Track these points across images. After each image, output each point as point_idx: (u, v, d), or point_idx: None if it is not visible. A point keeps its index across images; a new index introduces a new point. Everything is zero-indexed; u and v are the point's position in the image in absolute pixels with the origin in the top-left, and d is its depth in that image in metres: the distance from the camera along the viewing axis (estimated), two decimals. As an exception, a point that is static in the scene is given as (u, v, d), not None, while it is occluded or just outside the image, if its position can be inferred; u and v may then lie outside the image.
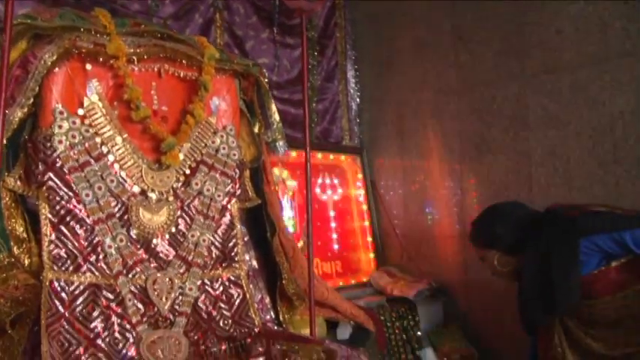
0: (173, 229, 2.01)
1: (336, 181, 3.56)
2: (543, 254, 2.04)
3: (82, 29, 1.87)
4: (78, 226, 1.82)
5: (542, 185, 2.94)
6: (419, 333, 2.99)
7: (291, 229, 3.10)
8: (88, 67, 1.90)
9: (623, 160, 2.67)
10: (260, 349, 1.91)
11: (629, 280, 1.98)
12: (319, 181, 3.48)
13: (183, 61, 2.08)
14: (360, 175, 3.69)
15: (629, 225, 1.91)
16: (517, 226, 2.17)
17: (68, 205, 1.82)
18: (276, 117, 2.31)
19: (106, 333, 1.78)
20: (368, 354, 2.18)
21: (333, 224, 3.47)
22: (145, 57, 2.00)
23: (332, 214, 3.49)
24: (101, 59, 1.90)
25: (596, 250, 1.96)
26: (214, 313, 2.04)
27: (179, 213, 2.03)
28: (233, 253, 2.14)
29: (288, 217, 3.15)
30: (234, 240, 2.15)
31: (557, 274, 1.99)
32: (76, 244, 1.81)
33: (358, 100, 3.87)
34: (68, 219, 1.81)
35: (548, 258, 2.02)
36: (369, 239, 3.62)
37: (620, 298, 1.99)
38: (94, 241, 1.84)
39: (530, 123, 3.00)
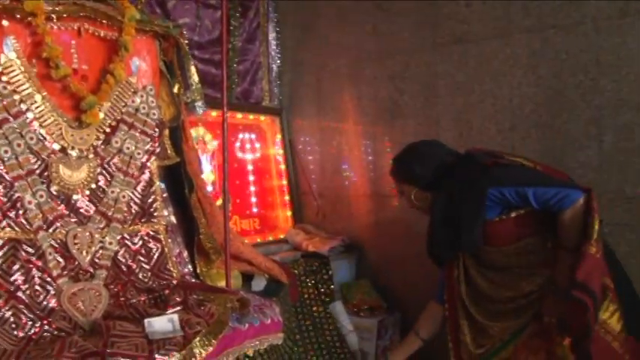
0: (93, 186, 2.07)
1: (255, 141, 3.65)
2: (453, 196, 2.19)
3: (-2, -15, 1.87)
4: (-4, 182, 1.85)
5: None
6: (332, 287, 3.14)
7: (210, 188, 3.19)
8: (5, 23, 1.91)
9: (518, 127, 2.90)
10: (178, 299, 2.00)
11: (523, 232, 2.15)
12: (239, 140, 3.56)
13: (104, 21, 2.11)
14: (279, 136, 3.79)
15: (534, 182, 2.05)
16: (434, 166, 2.28)
17: (-14, 161, 1.85)
18: (195, 78, 2.37)
19: (26, 286, 1.83)
20: (280, 304, 2.34)
21: (251, 183, 3.57)
22: (65, 15, 2.01)
23: (251, 173, 3.58)
24: (18, 16, 1.91)
25: (500, 200, 2.10)
26: (134, 266, 2.13)
27: (99, 170, 2.09)
28: (152, 209, 2.22)
29: (208, 175, 3.23)
30: (153, 196, 2.23)
31: (463, 216, 2.14)
32: (-5, 199, 1.84)
33: (279, 62, 3.93)
34: (-14, 175, 1.84)
35: (457, 200, 2.17)
36: (287, 198, 3.74)
37: (512, 248, 2.17)
38: (14, 197, 1.88)
39: (439, 90, 3.19)
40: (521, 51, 2.89)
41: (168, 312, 1.92)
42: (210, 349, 1.78)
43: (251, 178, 3.58)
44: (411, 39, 3.31)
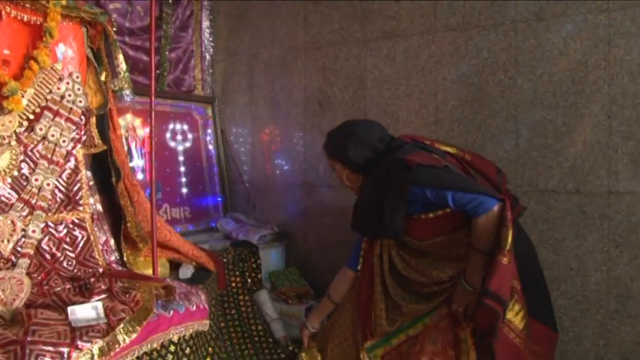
0: (16, 173, 2.04)
1: (186, 130, 3.64)
2: (379, 186, 2.23)
3: None
4: None
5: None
6: (260, 275, 3.18)
7: (140, 176, 3.17)
8: None
9: (443, 121, 3.02)
10: (103, 287, 2.00)
11: (440, 230, 2.24)
12: (170, 128, 3.54)
13: (27, 5, 2.07)
14: (210, 124, 3.80)
15: (454, 186, 2.11)
16: (365, 154, 2.30)
17: None
18: (123, 66, 2.36)
19: (-56, 273, 1.81)
20: (207, 292, 2.36)
21: (182, 171, 3.56)
22: (-15, -2, 1.98)
23: (182, 161, 3.57)
24: None
25: (422, 197, 2.17)
26: (58, 254, 2.12)
27: (22, 157, 2.07)
28: (78, 197, 2.21)
29: (138, 163, 3.21)
30: (78, 184, 2.22)
31: (386, 208, 2.20)
32: None
33: (212, 51, 3.92)
34: None
35: (381, 192, 2.22)
36: (218, 186, 3.76)
37: (429, 243, 2.26)
38: None
39: (367, 83, 3.28)
40: (446, 48, 3.01)
41: (92, 300, 1.92)
42: (134, 335, 1.80)
43: (182, 166, 3.57)
44: (341, 32, 3.38)
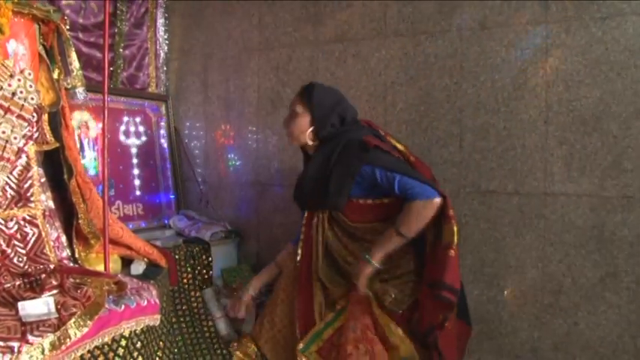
0: (-34, 169, 2.05)
1: (140, 127, 3.65)
2: (330, 159, 2.34)
3: None
4: None
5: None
6: (211, 272, 3.21)
7: (92, 172, 3.17)
8: None
9: (391, 123, 3.12)
10: (54, 282, 2.01)
11: (376, 217, 2.39)
12: (123, 125, 3.55)
13: (-22, 2, 2.08)
14: (164, 122, 3.81)
15: (403, 172, 2.25)
16: (337, 121, 2.43)
17: None
18: (76, 64, 2.37)
19: None
20: (158, 287, 2.40)
21: (135, 168, 3.57)
22: None
23: (135, 158, 3.58)
24: None
25: (370, 178, 2.29)
26: (9, 250, 2.12)
27: (-28, 154, 2.07)
28: (29, 194, 2.22)
29: (91, 159, 3.21)
30: (30, 181, 2.22)
31: (333, 181, 2.32)
32: None
33: (167, 49, 3.94)
34: None
35: (332, 164, 2.33)
36: (171, 183, 3.78)
37: (364, 226, 2.40)
38: None
39: (319, 85, 3.36)
40: (394, 52, 3.12)
41: (44, 295, 1.94)
42: (86, 329, 1.83)
43: (135, 163, 3.58)
44: (294, 33, 3.45)
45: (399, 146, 2.52)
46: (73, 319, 1.82)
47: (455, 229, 2.21)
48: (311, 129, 2.46)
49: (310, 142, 2.49)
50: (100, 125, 3.23)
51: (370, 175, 2.29)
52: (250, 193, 3.65)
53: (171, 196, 3.77)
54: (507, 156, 2.83)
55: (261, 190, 3.61)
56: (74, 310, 1.85)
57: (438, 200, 2.22)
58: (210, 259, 3.22)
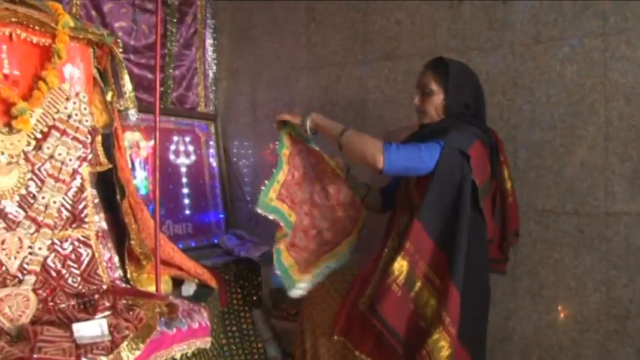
0: (23, 191, 2.08)
1: (190, 146, 3.69)
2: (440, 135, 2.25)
3: None
4: None
5: (377, 160, 3.28)
6: (260, 292, 3.20)
7: (143, 192, 3.21)
8: None
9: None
10: (107, 304, 2.02)
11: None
12: (173, 145, 3.59)
13: (36, 27, 2.11)
14: (213, 142, 3.84)
15: (423, 154, 2.22)
16: (462, 106, 2.35)
17: None
18: (129, 86, 2.40)
19: (-48, 290, 1.84)
20: (209, 309, 2.39)
21: (185, 188, 3.60)
22: (-4, 20, 2.02)
23: (185, 177, 3.61)
24: (-53, 20, 1.91)
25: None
26: (63, 271, 2.14)
27: (30, 176, 2.10)
28: (83, 215, 2.24)
29: (142, 179, 3.25)
30: (84, 202, 2.25)
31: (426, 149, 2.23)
32: None
33: (215, 68, 3.98)
34: None
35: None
36: (220, 203, 3.79)
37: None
38: (-60, 202, 1.88)
39: (368, 104, 3.33)
40: (445, 69, 3.06)
41: (97, 317, 1.95)
42: (138, 353, 1.82)
43: (185, 182, 3.61)
44: (342, 52, 3.43)
45: (508, 184, 2.47)
46: (125, 342, 1.82)
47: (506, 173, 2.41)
48: (443, 104, 2.38)
49: (437, 118, 2.40)
50: (151, 144, 3.27)
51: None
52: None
53: (221, 216, 3.78)
54: (565, 174, 2.73)
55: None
56: (127, 332, 1.85)
57: (379, 162, 2.18)
58: (259, 279, 3.20)
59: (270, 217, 2.42)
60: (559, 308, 2.75)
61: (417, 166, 2.21)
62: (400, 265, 2.15)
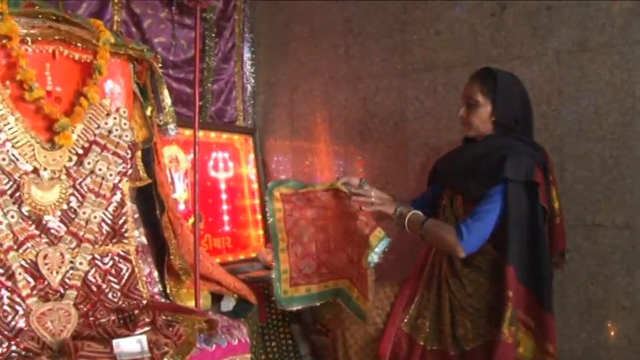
0: (65, 207, 2.10)
1: (228, 160, 3.69)
2: (492, 154, 2.22)
3: (-29, 7, 1.90)
4: (-32, 203, 1.87)
5: (417, 174, 3.23)
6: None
7: (182, 206, 3.22)
8: (-21, 46, 1.94)
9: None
10: (147, 319, 2.02)
11: None
12: (212, 159, 3.60)
13: (78, 44, 2.14)
14: (252, 155, 3.83)
15: (489, 219, 2.20)
16: (511, 119, 2.30)
17: (-43, 182, 1.87)
18: (168, 101, 2.41)
19: (-5, 306, 1.85)
20: (248, 324, 2.37)
21: (224, 201, 3.60)
22: (40, 38, 2.04)
23: (223, 191, 3.61)
24: (-7, 39, 1.94)
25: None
26: (104, 286, 2.15)
27: (71, 191, 2.12)
28: (123, 230, 2.25)
29: (181, 194, 3.26)
30: (124, 217, 2.26)
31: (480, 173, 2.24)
32: (-33, 220, 1.86)
33: (253, 82, 3.99)
34: (-42, 196, 1.86)
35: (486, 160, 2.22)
36: (259, 217, 3.77)
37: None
38: (-16, 218, 1.90)
39: (408, 115, 3.27)
40: (487, 79, 2.99)
41: (136, 332, 1.94)
42: (178, 370, 1.81)
43: (223, 196, 3.61)
44: (381, 63, 3.39)
45: (556, 204, 2.40)
46: (165, 359, 1.80)
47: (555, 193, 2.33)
48: (492, 119, 2.33)
49: (487, 133, 2.36)
50: (189, 158, 3.28)
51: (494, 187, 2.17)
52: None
53: (260, 229, 3.76)
54: (615, 187, 2.62)
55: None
56: (166, 349, 1.84)
57: (459, 252, 2.17)
58: (298, 294, 3.15)
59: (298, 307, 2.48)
60: (610, 327, 2.64)
61: (492, 228, 2.19)
62: (508, 315, 2.10)
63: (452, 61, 3.12)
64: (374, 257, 2.18)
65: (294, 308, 2.49)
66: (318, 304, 2.50)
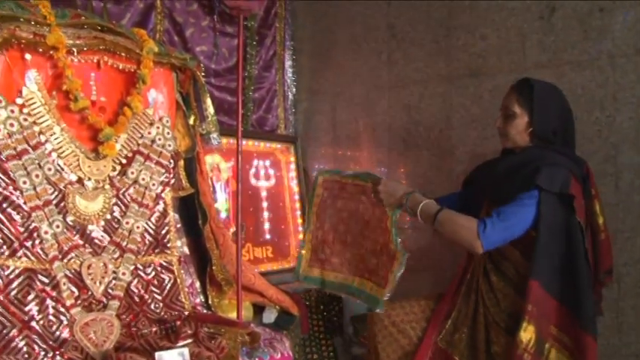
0: (108, 216, 2.10)
1: (270, 169, 3.67)
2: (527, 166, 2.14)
3: (21, 19, 1.91)
4: (15, 213, 1.88)
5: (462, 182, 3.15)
6: (342, 319, 3.11)
7: (224, 214, 3.20)
8: (28, 56, 1.95)
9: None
10: (189, 331, 2.00)
11: None
12: (253, 168, 3.57)
13: (123, 54, 2.15)
14: (293, 163, 3.80)
15: (519, 219, 2.11)
16: (549, 134, 2.22)
17: (5, 192, 1.87)
18: (211, 110, 2.40)
19: (40, 316, 1.85)
20: (290, 337, 2.33)
21: (265, 210, 3.57)
22: (85, 49, 2.06)
23: (265, 200, 3.59)
24: (41, 49, 1.95)
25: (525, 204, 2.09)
26: (146, 296, 2.14)
27: (114, 201, 2.12)
28: (165, 240, 2.24)
29: (222, 202, 3.24)
30: (166, 227, 2.25)
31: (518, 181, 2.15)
32: (13, 230, 1.87)
33: (294, 90, 3.96)
34: (5, 205, 1.87)
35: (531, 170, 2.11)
36: (300, 226, 3.74)
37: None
38: (31, 227, 1.90)
39: (453, 122, 3.19)
40: (536, 85, 2.89)
41: (178, 344, 1.92)
42: (221, 384, 1.78)
43: (265, 205, 3.58)
44: (425, 69, 3.32)
45: (600, 219, 2.29)
46: (207, 372, 1.78)
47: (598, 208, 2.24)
48: (529, 130, 2.25)
49: (524, 145, 2.28)
50: (230, 164, 3.27)
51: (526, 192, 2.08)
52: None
53: (301, 239, 3.71)
54: (675, 197, 2.50)
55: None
56: (209, 362, 1.81)
57: (477, 246, 2.07)
58: (340, 305, 3.12)
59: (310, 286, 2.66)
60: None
61: (517, 233, 2.10)
62: (527, 332, 2.01)
63: (498, 67, 3.03)
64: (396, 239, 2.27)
65: (307, 285, 2.71)
66: (327, 291, 2.65)
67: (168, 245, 2.24)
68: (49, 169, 1.97)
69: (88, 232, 2.04)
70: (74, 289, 1.96)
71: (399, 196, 2.26)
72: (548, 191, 2.05)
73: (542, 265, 2.05)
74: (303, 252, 2.59)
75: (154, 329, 2.09)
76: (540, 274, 2.04)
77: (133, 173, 2.16)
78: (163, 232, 2.23)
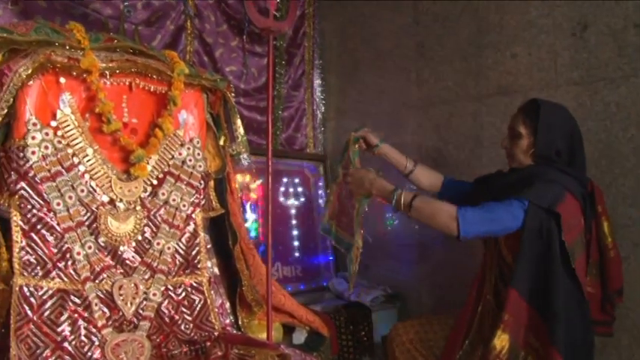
0: (139, 237, 2.11)
1: (299, 187, 3.67)
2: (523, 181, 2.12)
3: (56, 43, 1.95)
4: (48, 234, 1.90)
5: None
6: (371, 338, 3.08)
7: (253, 233, 3.20)
8: (62, 80, 1.98)
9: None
10: (219, 352, 2.00)
11: None
12: (282, 186, 3.58)
13: (154, 76, 2.17)
14: (322, 182, 3.80)
15: (504, 221, 2.09)
16: (565, 152, 2.19)
17: (39, 213, 1.90)
18: (241, 131, 2.41)
19: (72, 337, 1.87)
20: (320, 358, 2.31)
21: (294, 229, 3.57)
22: (117, 71, 2.08)
23: (294, 219, 3.59)
24: (75, 73, 1.98)
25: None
26: (176, 317, 2.14)
27: (145, 222, 2.13)
28: (196, 261, 2.24)
29: (252, 221, 3.25)
30: (197, 248, 2.25)
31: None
32: (46, 250, 1.89)
33: (323, 108, 3.97)
34: (39, 227, 1.89)
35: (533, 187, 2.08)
36: (330, 244, 3.72)
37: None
38: (64, 248, 1.92)
39: (484, 141, 3.15)
40: (568, 104, 2.81)
41: (209, 366, 1.92)
42: (251, 407, 1.76)
43: (294, 224, 3.58)
44: (454, 88, 3.29)
45: (609, 239, 2.25)
46: (237, 395, 1.76)
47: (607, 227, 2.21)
48: (532, 151, 2.23)
49: (526, 163, 2.26)
50: (259, 182, 3.28)
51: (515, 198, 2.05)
52: (413, 254, 3.48)
53: (330, 258, 3.70)
54: None
55: (423, 251, 3.43)
56: (239, 385, 1.79)
57: (453, 229, 2.04)
58: (370, 324, 3.08)
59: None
60: None
61: (495, 230, 2.09)
62: (501, 340, 2.01)
63: (529, 85, 2.99)
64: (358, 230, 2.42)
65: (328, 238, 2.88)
66: (339, 247, 2.66)
67: (199, 266, 2.24)
68: (82, 191, 1.99)
69: (119, 252, 2.05)
70: (105, 309, 1.97)
71: (366, 186, 2.34)
72: (537, 205, 2.02)
73: (522, 274, 2.04)
74: (328, 204, 2.74)
75: (184, 350, 2.09)
76: (518, 283, 2.03)
77: (163, 194, 2.18)
78: (194, 252, 2.23)
